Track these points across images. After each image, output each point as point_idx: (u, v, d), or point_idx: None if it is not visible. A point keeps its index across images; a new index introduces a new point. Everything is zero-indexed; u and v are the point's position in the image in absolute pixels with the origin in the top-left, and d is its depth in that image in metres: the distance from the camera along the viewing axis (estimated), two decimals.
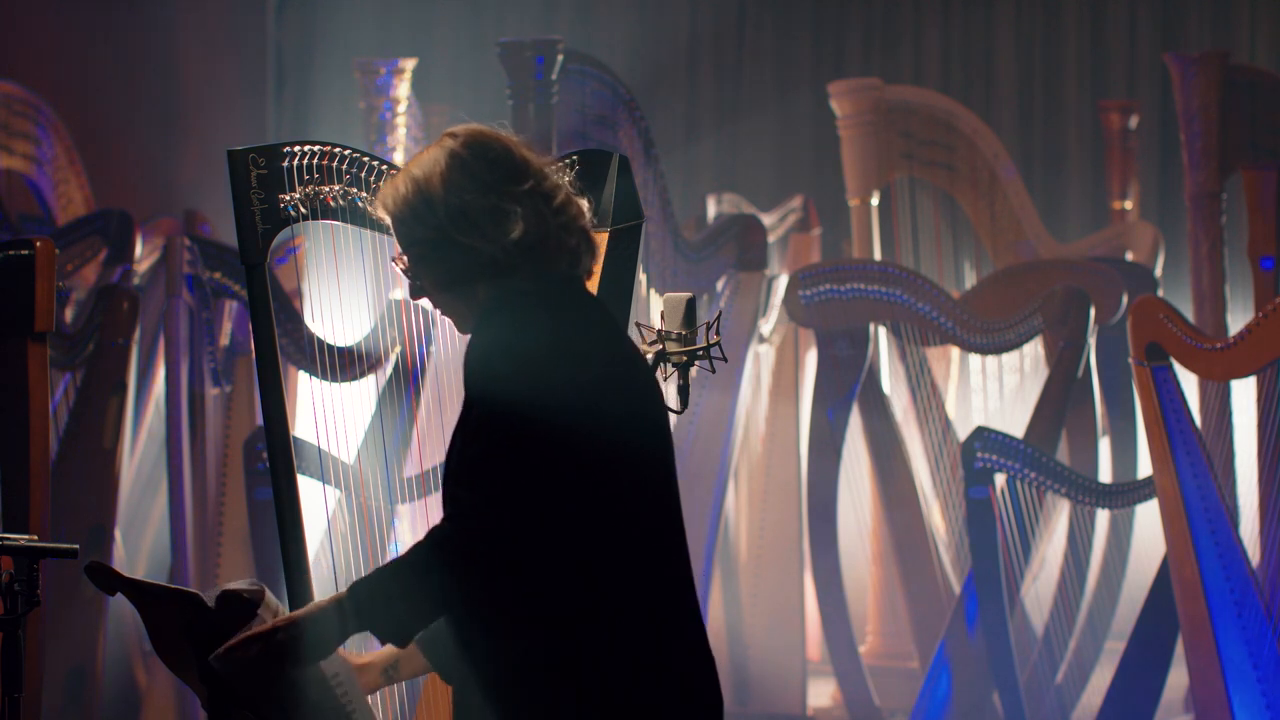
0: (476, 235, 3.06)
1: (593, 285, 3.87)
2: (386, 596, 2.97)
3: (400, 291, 5.82)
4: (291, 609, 3.46)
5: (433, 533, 2.97)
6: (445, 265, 3.11)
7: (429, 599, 2.97)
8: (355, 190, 3.67)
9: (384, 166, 3.68)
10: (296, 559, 3.52)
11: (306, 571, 3.59)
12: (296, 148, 3.62)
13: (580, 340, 3.04)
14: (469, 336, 3.10)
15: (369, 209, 3.52)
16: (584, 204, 3.18)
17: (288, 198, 3.61)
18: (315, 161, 3.63)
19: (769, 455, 7.64)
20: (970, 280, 8.21)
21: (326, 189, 3.64)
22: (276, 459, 3.56)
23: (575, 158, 3.79)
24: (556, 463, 2.93)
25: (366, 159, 3.68)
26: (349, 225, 3.73)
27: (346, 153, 3.65)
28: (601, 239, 3.82)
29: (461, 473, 2.97)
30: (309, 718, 3.08)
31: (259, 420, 6.69)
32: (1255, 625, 5.71)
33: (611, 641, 2.97)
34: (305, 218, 3.63)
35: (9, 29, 8.33)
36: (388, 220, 3.19)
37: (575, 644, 2.96)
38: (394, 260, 3.21)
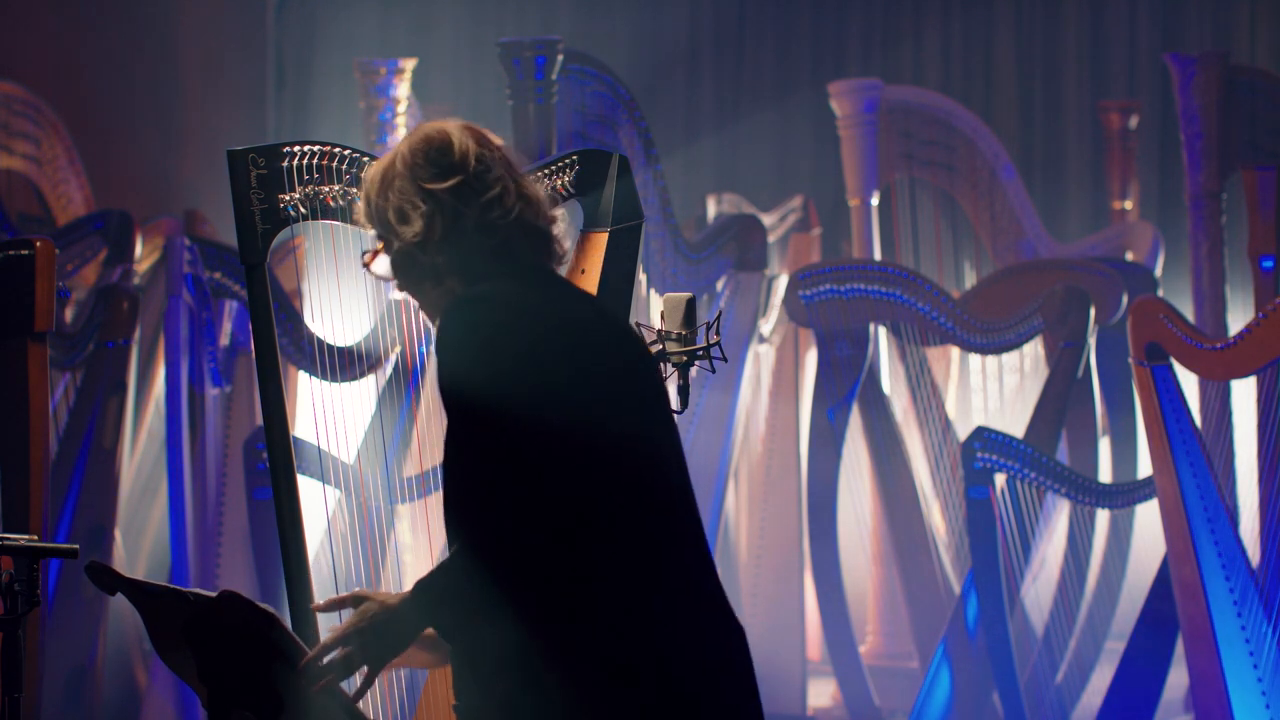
0: (392, 235, 3.15)
1: (592, 284, 3.88)
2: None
3: (398, 292, 5.82)
4: (291, 609, 3.47)
5: (446, 569, 2.97)
6: (393, 264, 3.19)
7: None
8: (355, 190, 3.68)
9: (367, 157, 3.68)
10: (296, 559, 3.52)
11: (307, 572, 3.59)
12: (296, 148, 3.62)
13: (511, 338, 2.99)
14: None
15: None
16: (540, 200, 3.16)
17: (287, 198, 3.62)
18: (315, 161, 3.63)
19: (769, 455, 7.64)
20: (970, 280, 8.21)
21: (326, 189, 3.64)
22: (276, 459, 3.56)
23: (575, 158, 3.79)
24: (531, 463, 2.91)
25: (366, 159, 3.68)
26: (349, 225, 3.73)
27: (346, 153, 3.66)
28: (601, 239, 3.82)
29: (450, 496, 2.98)
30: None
31: (259, 420, 6.69)
32: (1255, 625, 5.71)
33: (627, 629, 2.96)
34: (305, 218, 3.63)
35: (9, 29, 8.33)
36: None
37: (593, 633, 2.95)
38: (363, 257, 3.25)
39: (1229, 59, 6.90)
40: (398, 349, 6.05)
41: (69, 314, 6.50)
